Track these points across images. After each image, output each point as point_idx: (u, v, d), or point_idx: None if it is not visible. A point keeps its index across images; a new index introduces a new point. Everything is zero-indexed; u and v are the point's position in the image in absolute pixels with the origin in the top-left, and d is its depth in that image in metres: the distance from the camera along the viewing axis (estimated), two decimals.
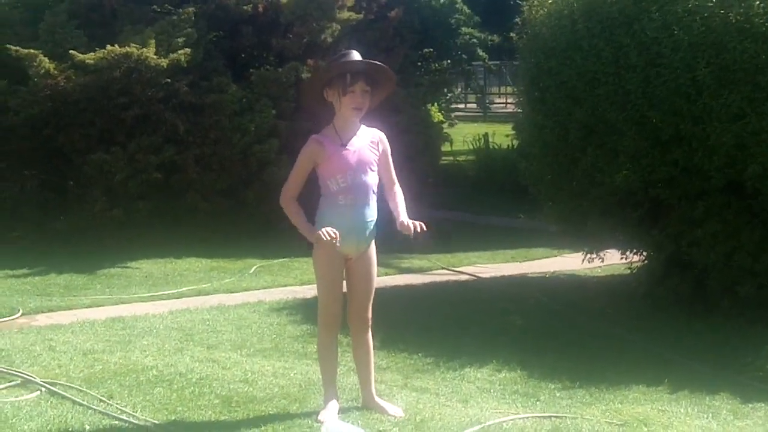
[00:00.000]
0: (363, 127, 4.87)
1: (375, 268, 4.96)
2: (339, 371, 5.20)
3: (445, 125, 19.65)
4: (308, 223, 4.75)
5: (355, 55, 4.72)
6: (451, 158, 20.40)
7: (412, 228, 4.67)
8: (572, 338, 7.57)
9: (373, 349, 5.11)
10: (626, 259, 9.30)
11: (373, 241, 4.90)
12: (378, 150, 4.87)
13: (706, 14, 7.43)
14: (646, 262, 9.04)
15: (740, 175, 7.54)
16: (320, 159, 4.71)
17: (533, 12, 9.42)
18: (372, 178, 4.80)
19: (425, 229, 4.70)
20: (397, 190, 4.92)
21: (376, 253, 4.97)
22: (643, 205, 8.37)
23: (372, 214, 4.80)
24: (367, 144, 4.82)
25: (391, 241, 5.56)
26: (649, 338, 7.50)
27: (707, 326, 7.73)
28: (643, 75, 7.79)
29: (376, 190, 4.82)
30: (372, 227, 4.83)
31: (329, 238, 4.50)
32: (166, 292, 9.30)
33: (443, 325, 7.91)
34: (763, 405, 6.03)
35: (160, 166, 12.03)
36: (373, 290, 4.96)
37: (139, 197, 12.05)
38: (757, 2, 7.25)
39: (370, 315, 4.95)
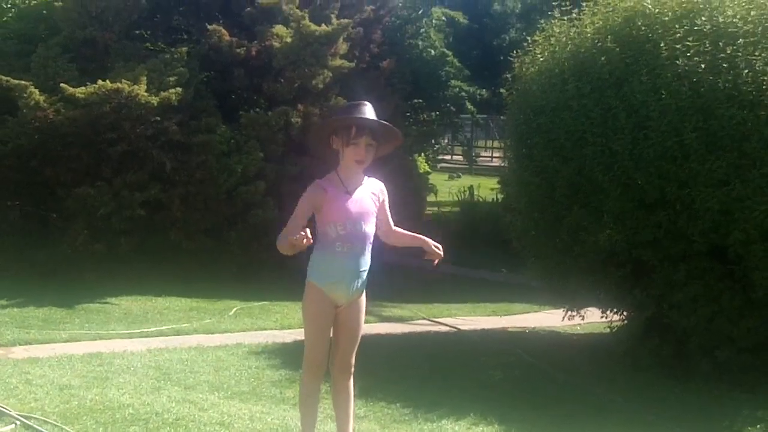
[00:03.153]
0: (365, 177, 4.88)
1: (363, 316, 4.94)
2: (317, 418, 5.16)
3: (444, 177, 19.68)
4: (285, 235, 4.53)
5: (368, 109, 4.71)
6: (436, 209, 20.47)
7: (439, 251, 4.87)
8: (551, 395, 7.55)
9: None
10: (607, 318, 9.28)
11: (365, 290, 4.89)
12: (378, 201, 4.87)
13: (695, 79, 7.48)
14: (626, 322, 9.02)
15: (723, 240, 7.57)
16: (321, 204, 4.66)
17: (524, 69, 9.49)
18: (370, 228, 4.78)
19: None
20: (397, 229, 4.98)
21: (366, 302, 4.95)
22: (625, 265, 8.38)
23: (366, 263, 4.78)
24: (369, 194, 4.82)
25: (376, 289, 5.54)
26: (627, 398, 7.48)
27: (686, 389, 7.73)
28: (630, 137, 7.83)
29: (372, 240, 4.81)
30: (365, 277, 4.81)
31: (301, 237, 4.31)
32: (144, 330, 9.23)
33: (422, 376, 7.89)
34: None
35: (145, 202, 12.04)
36: (359, 338, 4.94)
37: (121, 233, 12.03)
38: (746, 70, 7.31)
39: (353, 362, 4.92)
